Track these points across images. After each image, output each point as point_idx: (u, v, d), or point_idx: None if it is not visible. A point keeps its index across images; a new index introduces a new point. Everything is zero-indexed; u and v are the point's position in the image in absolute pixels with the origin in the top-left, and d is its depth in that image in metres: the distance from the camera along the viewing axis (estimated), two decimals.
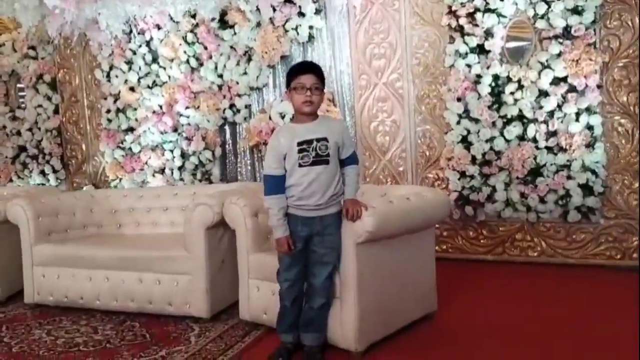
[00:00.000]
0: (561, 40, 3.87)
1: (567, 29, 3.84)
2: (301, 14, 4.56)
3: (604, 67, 3.82)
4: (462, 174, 4.21)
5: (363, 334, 2.64)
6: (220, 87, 4.89)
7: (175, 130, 5.07)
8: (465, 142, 4.20)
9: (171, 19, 4.88)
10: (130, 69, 5.13)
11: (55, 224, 3.80)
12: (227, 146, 5.08)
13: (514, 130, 4.05)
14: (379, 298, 2.72)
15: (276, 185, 2.54)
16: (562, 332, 2.89)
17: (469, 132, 4.18)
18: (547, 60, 3.92)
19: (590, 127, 3.89)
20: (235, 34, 4.76)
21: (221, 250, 3.32)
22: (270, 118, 4.66)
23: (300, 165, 2.49)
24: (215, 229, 3.25)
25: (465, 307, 3.34)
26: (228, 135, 5.07)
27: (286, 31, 4.62)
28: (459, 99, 4.18)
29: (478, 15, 4.06)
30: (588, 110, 3.87)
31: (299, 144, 2.49)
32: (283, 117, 4.53)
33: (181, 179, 5.07)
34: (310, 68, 2.55)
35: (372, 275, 2.68)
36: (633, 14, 3.72)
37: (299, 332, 2.67)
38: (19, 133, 5.73)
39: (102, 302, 3.44)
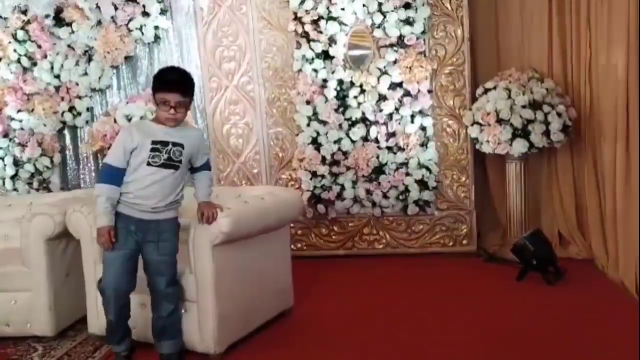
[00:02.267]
0: (396, 49, 4.21)
1: (401, 38, 4.19)
2: (145, 14, 4.43)
3: (433, 74, 4.23)
4: (314, 174, 4.39)
5: (222, 336, 2.66)
6: (57, 88, 4.55)
7: (5, 135, 4.60)
8: (315, 143, 4.38)
9: None
10: None
11: None
12: (67, 152, 4.74)
13: (358, 131, 4.32)
14: (237, 299, 2.75)
15: (113, 176, 2.45)
16: (410, 313, 3.18)
17: (318, 133, 4.37)
18: (384, 67, 4.24)
19: (423, 128, 4.28)
20: (73, 32, 4.47)
21: (65, 262, 3.11)
22: (115, 121, 4.44)
23: (148, 164, 2.43)
24: (57, 240, 3.04)
25: (319, 300, 3.49)
26: (68, 141, 4.74)
27: (130, 31, 4.45)
28: (308, 102, 4.35)
29: (322, 23, 4.26)
30: (421, 112, 4.26)
31: (153, 142, 2.43)
32: (129, 120, 4.34)
33: (15, 189, 4.61)
34: (177, 86, 2.45)
35: (230, 277, 2.71)
36: (456, 25, 4.17)
37: (132, 343, 2.62)
38: None
39: None
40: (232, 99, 4.54)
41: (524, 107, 3.85)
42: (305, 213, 4.38)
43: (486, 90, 4.05)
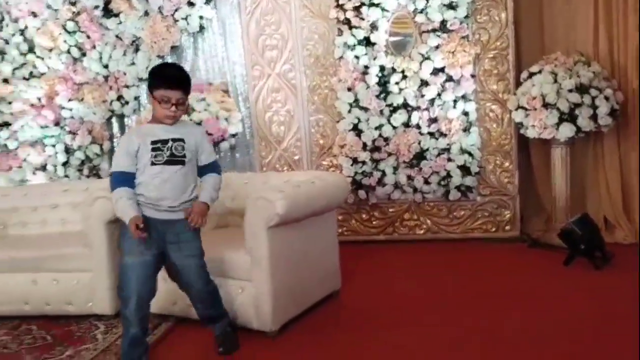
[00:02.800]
0: (439, 34, 4.22)
1: (443, 23, 4.20)
2: (191, 4, 4.53)
3: (476, 58, 4.23)
4: (354, 160, 4.44)
5: (277, 314, 2.74)
6: (106, 77, 4.70)
7: (57, 124, 4.78)
8: (356, 129, 4.43)
9: (49, 6, 4.59)
10: (2, 59, 4.74)
11: None
12: (115, 140, 4.90)
13: (400, 117, 4.35)
14: (290, 279, 2.83)
15: (125, 180, 2.39)
16: (455, 298, 3.21)
17: (359, 120, 4.41)
18: (426, 52, 4.25)
19: (466, 113, 4.28)
20: (120, 22, 4.60)
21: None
22: None
23: (152, 164, 2.38)
24: (115, 223, 3.15)
25: (364, 283, 3.56)
26: (116, 129, 4.89)
27: (176, 21, 4.55)
28: (349, 89, 4.40)
29: (364, 9, 4.30)
30: (464, 97, 4.27)
31: (153, 142, 2.39)
32: None
33: (66, 176, 4.79)
34: (178, 83, 2.39)
35: (283, 258, 2.79)
36: (500, 9, 4.15)
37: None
38: None
39: None
40: (274, 86, 4.61)
41: (570, 91, 3.82)
42: (347, 199, 4.43)
43: (531, 75, 4.03)
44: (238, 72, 4.68)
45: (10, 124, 4.82)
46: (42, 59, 4.72)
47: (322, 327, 2.91)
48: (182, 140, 2.43)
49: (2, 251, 3.27)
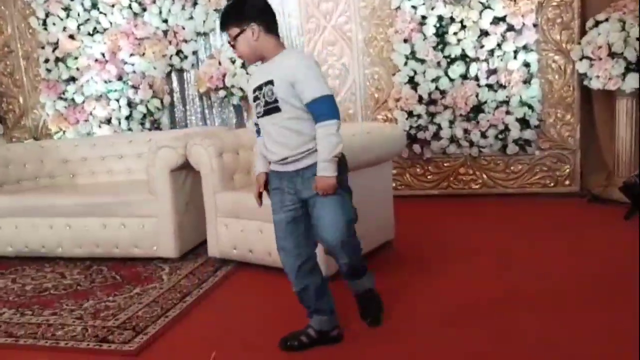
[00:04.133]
0: None
1: None
2: None
3: (539, 7, 4.06)
4: (410, 114, 4.41)
5: (333, 261, 2.81)
6: (165, 32, 4.80)
7: (120, 78, 4.96)
8: (412, 82, 4.38)
9: None
10: (68, 15, 4.92)
11: (6, 175, 3.72)
12: (175, 94, 5.04)
13: (458, 69, 4.26)
14: None
15: (259, 130, 2.17)
16: (512, 251, 3.19)
17: (415, 72, 4.35)
18: (487, 1, 4.11)
19: (527, 64, 4.15)
20: None
21: (185, 192, 3.37)
22: (220, 64, 4.64)
23: (257, 116, 2.11)
24: (179, 172, 3.29)
25: (418, 235, 3.58)
26: (175, 83, 5.02)
27: None
28: (405, 40, 4.33)
29: None
30: (525, 48, 4.13)
31: (253, 90, 2.09)
32: (233, 63, 4.52)
33: (129, 129, 5.00)
34: (222, 24, 2.12)
35: None
36: None
37: (332, 325, 2.24)
38: None
39: (65, 250, 3.43)
40: (330, 39, 4.59)
41: (638, 39, 3.63)
42: (402, 150, 4.43)
43: (597, 23, 3.84)
44: (293, 25, 4.68)
45: (76, 79, 5.03)
46: (105, 14, 4.86)
47: (379, 271, 2.95)
48: (271, 82, 2.00)
49: (74, 198, 3.48)
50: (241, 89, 4.42)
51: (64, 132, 5.18)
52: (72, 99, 5.09)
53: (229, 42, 2.10)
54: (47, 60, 5.07)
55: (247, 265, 3.12)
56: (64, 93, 5.10)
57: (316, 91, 1.97)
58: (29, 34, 5.17)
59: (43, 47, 5.07)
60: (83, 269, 3.31)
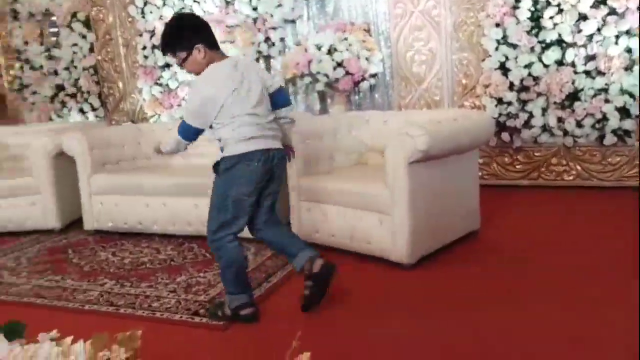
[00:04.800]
0: None
1: None
2: None
3: None
4: (499, 101, 4.26)
5: (414, 248, 2.81)
6: (255, 20, 4.92)
7: None
8: (503, 68, 4.22)
9: None
10: (164, 4, 5.15)
11: (107, 156, 3.97)
12: None
13: (553, 55, 4.06)
14: (428, 215, 2.86)
15: None
16: (604, 248, 3.02)
17: (507, 58, 4.20)
18: None
19: (629, 50, 3.89)
20: None
21: None
22: (306, 50, 4.69)
23: None
24: None
25: (504, 226, 3.48)
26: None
27: None
28: (497, 25, 4.18)
29: None
30: (628, 33, 3.86)
31: None
32: (319, 49, 4.56)
33: None
34: (165, 51, 2.37)
35: (422, 194, 2.82)
36: None
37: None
38: (55, 72, 5.83)
39: (160, 227, 3.64)
40: (417, 24, 4.51)
41: None
42: (490, 139, 4.30)
43: None
44: (380, 10, 4.64)
45: (171, 65, 5.27)
46: (198, 2, 5.05)
47: (458, 263, 2.92)
48: None
49: (169, 178, 3.68)
50: (326, 76, 4.45)
51: (159, 115, 5.45)
52: (167, 85, 5.34)
53: (177, 64, 2.32)
54: (144, 48, 5.34)
55: (328, 249, 3.15)
56: (159, 79, 5.36)
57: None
58: (128, 22, 5.47)
59: (141, 35, 5.35)
60: (176, 245, 3.50)
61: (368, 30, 4.69)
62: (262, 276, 2.87)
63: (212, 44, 2.29)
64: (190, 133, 2.34)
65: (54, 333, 2.05)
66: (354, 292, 2.64)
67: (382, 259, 2.90)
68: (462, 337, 2.15)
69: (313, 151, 3.29)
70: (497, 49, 4.20)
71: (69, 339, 1.99)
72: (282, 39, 4.93)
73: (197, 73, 2.31)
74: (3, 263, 3.35)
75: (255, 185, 2.32)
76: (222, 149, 2.35)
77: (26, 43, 5.88)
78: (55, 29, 5.83)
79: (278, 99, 2.42)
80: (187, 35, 2.26)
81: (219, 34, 4.94)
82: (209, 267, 3.05)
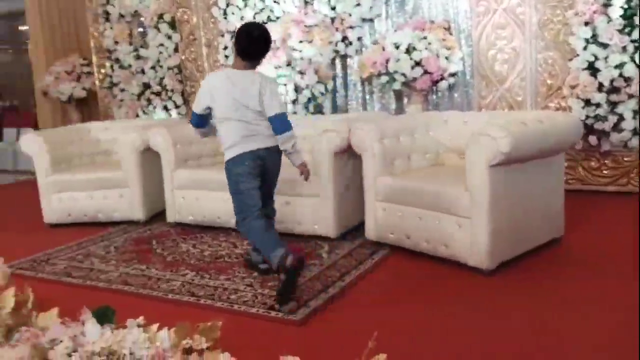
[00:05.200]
0: None
1: None
2: None
3: None
4: (587, 102, 4.06)
5: (493, 253, 2.73)
6: (332, 19, 4.94)
7: (288, 64, 5.21)
8: (592, 68, 4.02)
9: None
10: (245, 5, 5.29)
11: (190, 152, 4.12)
12: (337, 79, 5.18)
13: None
14: (509, 219, 2.77)
15: None
16: None
17: (596, 57, 3.99)
18: None
19: None
20: None
21: (345, 175, 3.48)
22: (383, 49, 4.67)
23: None
24: (341, 154, 3.40)
25: (591, 233, 3.32)
26: (339, 69, 5.16)
27: None
28: (586, 23, 3.98)
29: None
30: None
31: None
32: (397, 48, 4.52)
33: (294, 112, 5.25)
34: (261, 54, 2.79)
35: (504, 198, 2.73)
36: None
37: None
38: (142, 71, 6.13)
39: None
40: (500, 22, 4.38)
41: None
42: (576, 143, 4.11)
43: None
44: (461, 8, 4.54)
45: None
46: (278, 3, 5.14)
47: (538, 270, 2.81)
48: None
49: None
50: (404, 75, 4.41)
51: None
52: None
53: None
54: (225, 47, 5.51)
55: (402, 250, 3.14)
56: None
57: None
58: (211, 23, 5.65)
59: (222, 35, 5.51)
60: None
61: (448, 28, 4.60)
62: (337, 275, 2.88)
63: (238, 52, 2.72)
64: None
65: (141, 320, 2.16)
66: (431, 295, 2.61)
67: (459, 263, 2.84)
68: (541, 344, 2.06)
69: (389, 151, 3.27)
70: (585, 48, 4.01)
71: (154, 326, 2.09)
72: (359, 38, 4.93)
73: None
74: (94, 251, 3.56)
75: (252, 177, 2.73)
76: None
77: (116, 43, 6.23)
78: (143, 30, 6.14)
79: (273, 127, 2.72)
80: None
81: (297, 33, 5.02)
82: None
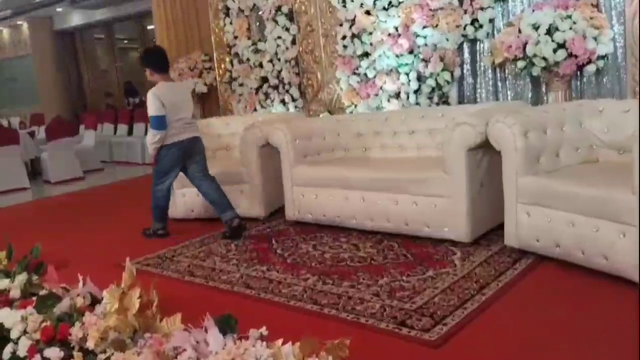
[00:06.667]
0: None
1: None
2: None
3: None
4: None
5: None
6: (460, 2, 4.54)
7: (411, 52, 4.89)
8: None
9: None
10: None
11: (309, 147, 3.97)
12: (465, 66, 4.77)
13: None
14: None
15: None
16: None
17: None
18: None
19: None
20: None
21: (480, 173, 3.13)
22: (520, 31, 4.20)
23: None
24: (476, 151, 3.06)
25: None
26: (466, 54, 4.75)
27: None
28: None
29: None
30: None
31: None
32: (536, 29, 4.03)
33: (417, 103, 4.92)
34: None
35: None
36: None
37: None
38: (261, 65, 6.11)
39: (358, 222, 3.53)
40: None
41: None
42: None
43: None
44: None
45: (369, 54, 5.15)
46: None
47: None
48: None
49: (369, 172, 3.54)
50: (544, 59, 3.92)
51: (355, 106, 5.38)
52: (365, 74, 5.23)
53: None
54: (344, 37, 5.29)
55: (551, 260, 2.74)
56: (357, 68, 5.28)
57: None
58: (329, 13, 5.46)
59: (341, 25, 5.30)
60: (375, 242, 3.35)
61: (596, 5, 4.03)
62: (474, 287, 2.56)
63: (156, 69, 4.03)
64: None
65: (264, 330, 2.02)
66: (582, 316, 2.22)
67: (621, 278, 2.40)
68: None
69: (534, 146, 2.86)
70: None
71: (279, 342, 1.93)
72: (491, 20, 4.49)
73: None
74: (215, 249, 3.53)
75: (177, 160, 3.80)
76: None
77: (235, 38, 6.26)
78: (260, 23, 6.11)
79: None
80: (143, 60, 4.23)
81: (420, 18, 4.68)
82: (412, 270, 2.83)
